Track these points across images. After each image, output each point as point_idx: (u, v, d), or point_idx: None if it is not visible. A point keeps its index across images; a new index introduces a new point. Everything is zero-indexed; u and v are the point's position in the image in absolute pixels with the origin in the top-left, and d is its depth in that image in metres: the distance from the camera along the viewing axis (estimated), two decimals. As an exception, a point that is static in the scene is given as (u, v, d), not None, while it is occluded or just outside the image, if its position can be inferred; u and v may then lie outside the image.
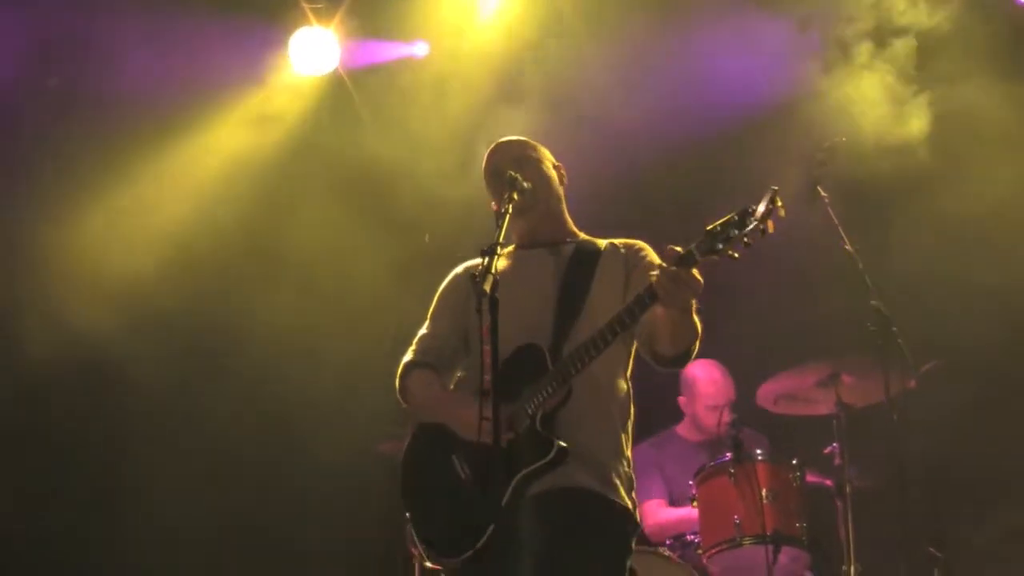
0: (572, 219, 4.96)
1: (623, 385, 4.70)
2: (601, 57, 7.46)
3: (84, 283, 7.49)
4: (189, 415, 7.67)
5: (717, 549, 6.49)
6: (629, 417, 4.71)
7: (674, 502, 7.28)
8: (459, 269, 4.96)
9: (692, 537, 6.76)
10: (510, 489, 4.38)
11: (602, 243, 4.85)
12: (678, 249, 4.17)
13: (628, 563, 4.54)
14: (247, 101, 7.88)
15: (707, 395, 7.42)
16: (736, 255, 4.13)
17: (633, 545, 4.60)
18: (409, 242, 7.65)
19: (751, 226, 4.07)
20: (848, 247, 6.52)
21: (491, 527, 4.38)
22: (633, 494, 4.62)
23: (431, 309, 4.95)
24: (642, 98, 7.48)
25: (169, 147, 7.74)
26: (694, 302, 4.28)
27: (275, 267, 7.84)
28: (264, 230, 7.86)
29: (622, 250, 4.81)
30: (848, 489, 6.55)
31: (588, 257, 4.77)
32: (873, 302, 6.40)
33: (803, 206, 6.63)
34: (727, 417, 7.18)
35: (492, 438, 4.13)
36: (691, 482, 6.78)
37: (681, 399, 7.53)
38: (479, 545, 4.40)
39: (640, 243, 4.85)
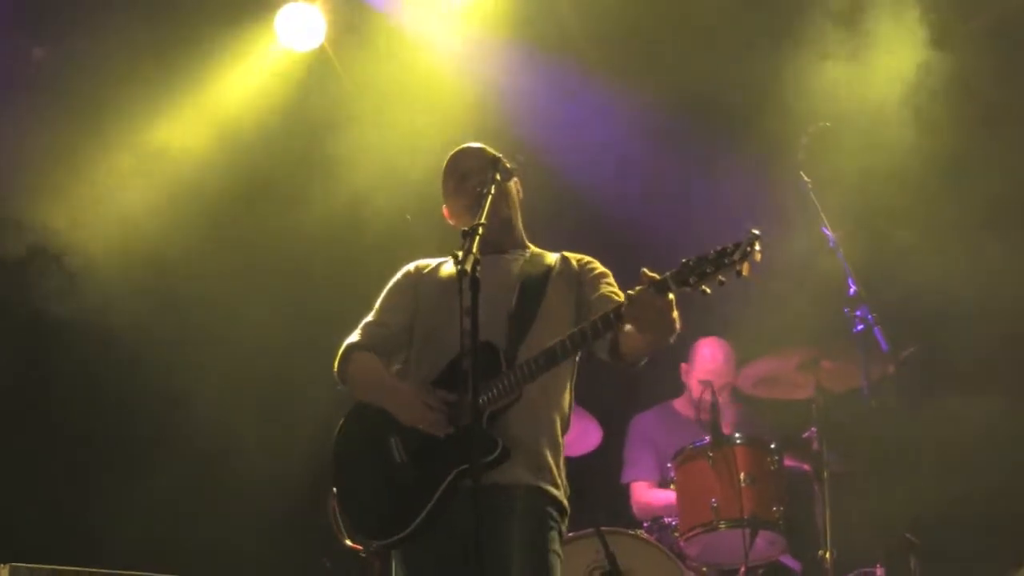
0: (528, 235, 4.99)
1: (568, 391, 4.76)
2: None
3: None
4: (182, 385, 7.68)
5: (694, 532, 6.51)
6: (568, 423, 4.76)
7: (664, 478, 7.31)
8: (410, 267, 4.98)
9: (669, 520, 6.78)
10: (447, 481, 4.43)
11: (554, 255, 4.89)
12: (653, 275, 4.22)
13: (553, 538, 4.55)
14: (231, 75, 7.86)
15: (703, 369, 7.45)
16: (708, 291, 4.19)
17: (564, 528, 4.63)
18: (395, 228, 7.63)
19: (727, 265, 4.14)
20: (829, 232, 6.53)
21: (423, 514, 4.45)
22: (564, 489, 4.65)
23: (380, 300, 4.93)
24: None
25: (150, 125, 7.72)
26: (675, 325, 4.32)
27: (259, 257, 7.87)
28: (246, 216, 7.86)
29: (574, 262, 4.86)
30: (826, 474, 6.57)
31: (542, 266, 4.81)
32: (853, 288, 6.42)
33: (787, 192, 6.68)
34: (708, 398, 7.24)
35: (460, 419, 4.26)
36: (669, 464, 6.80)
37: (684, 365, 7.57)
38: (408, 531, 4.47)
39: (590, 257, 4.89)
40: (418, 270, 4.94)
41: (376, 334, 4.83)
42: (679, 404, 7.63)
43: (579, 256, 4.89)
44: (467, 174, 4.79)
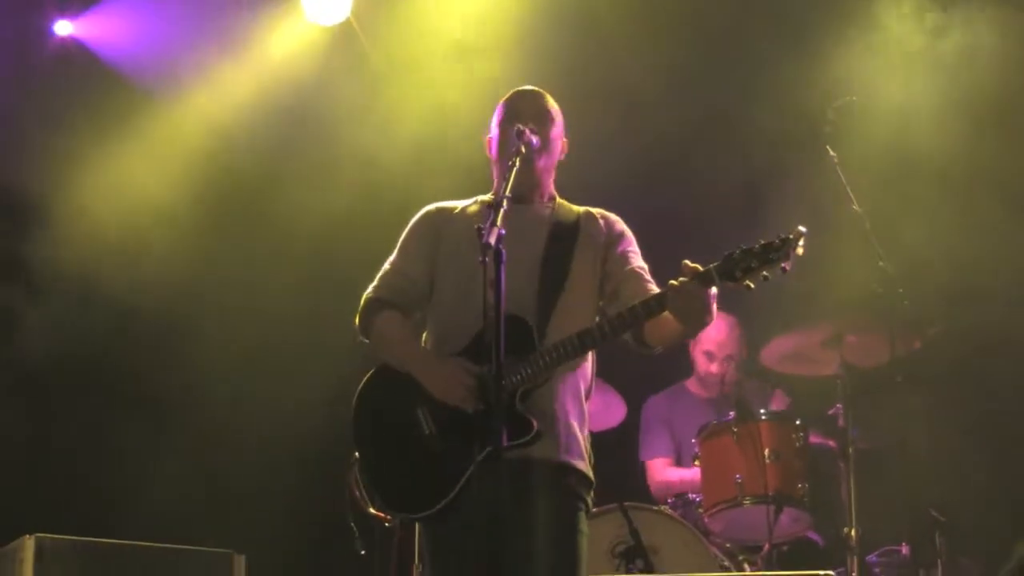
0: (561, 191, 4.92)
1: (592, 362, 4.73)
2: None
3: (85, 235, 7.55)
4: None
5: (718, 508, 6.50)
6: (591, 392, 4.73)
7: (680, 458, 7.30)
8: (431, 208, 4.86)
9: (694, 496, 6.77)
10: (478, 459, 4.34)
11: (580, 210, 4.82)
12: (696, 266, 4.20)
13: (581, 518, 4.54)
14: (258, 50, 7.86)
15: (708, 340, 7.37)
16: (752, 286, 4.17)
17: (590, 502, 4.61)
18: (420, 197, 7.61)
19: (772, 261, 4.13)
20: (856, 207, 6.49)
21: (454, 492, 4.40)
22: (590, 459, 4.63)
23: (399, 244, 4.82)
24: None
25: (175, 98, 7.74)
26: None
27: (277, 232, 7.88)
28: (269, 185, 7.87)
29: (600, 221, 4.79)
30: (851, 450, 6.54)
31: (569, 223, 4.74)
32: (880, 263, 6.38)
33: (812, 165, 6.65)
34: (733, 376, 7.20)
35: (488, 395, 4.20)
36: (694, 440, 6.79)
37: (690, 341, 7.52)
38: (438, 507, 4.43)
39: (616, 217, 4.84)
40: (440, 212, 4.83)
41: (396, 286, 4.73)
42: (691, 384, 7.59)
43: (603, 214, 4.82)
44: (515, 117, 4.69)
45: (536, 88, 4.89)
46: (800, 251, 4.13)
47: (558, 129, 4.81)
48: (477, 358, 4.44)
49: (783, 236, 4.15)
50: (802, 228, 4.16)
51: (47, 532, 6.04)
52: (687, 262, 4.21)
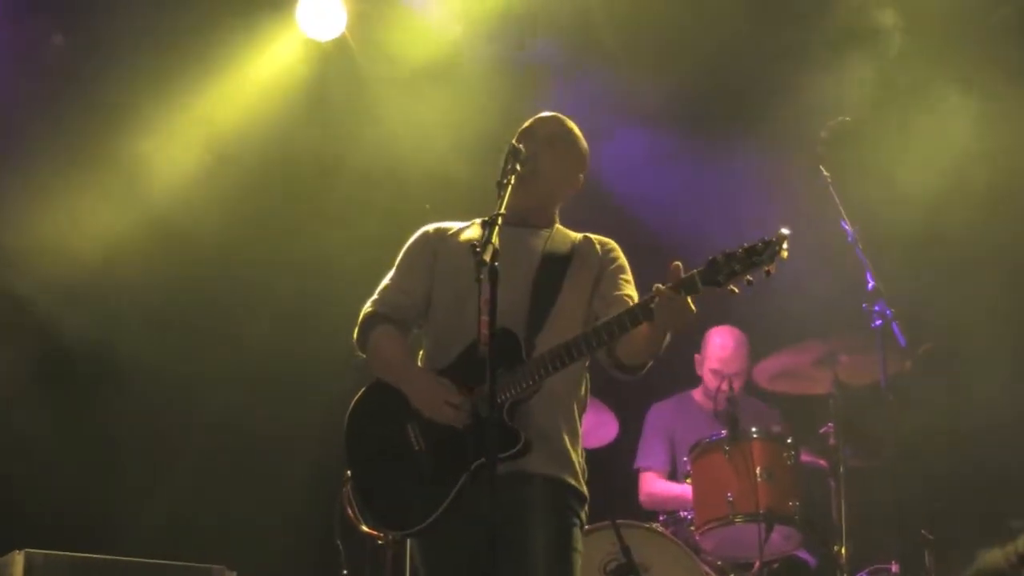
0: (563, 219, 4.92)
1: (584, 378, 4.72)
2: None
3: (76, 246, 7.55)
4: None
5: (709, 526, 6.50)
6: (585, 407, 4.73)
7: (676, 470, 7.28)
8: (429, 228, 4.87)
9: (685, 514, 6.78)
10: (468, 473, 4.35)
11: (577, 236, 4.82)
12: (678, 269, 4.20)
13: (576, 536, 4.53)
14: (253, 65, 7.87)
15: (714, 358, 7.40)
16: (737, 291, 4.16)
17: (584, 518, 4.60)
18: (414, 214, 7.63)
19: (756, 264, 4.11)
20: (848, 227, 6.50)
21: (443, 507, 4.40)
22: (584, 473, 4.62)
23: (398, 262, 4.83)
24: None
25: (169, 112, 7.74)
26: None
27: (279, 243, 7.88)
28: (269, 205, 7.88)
29: (597, 246, 4.79)
30: (842, 469, 6.56)
31: (564, 247, 4.74)
32: (872, 283, 6.39)
33: (805, 184, 6.66)
34: (725, 389, 7.19)
35: (480, 410, 4.24)
36: (685, 458, 6.79)
37: (697, 356, 7.54)
38: (427, 523, 4.43)
39: (613, 243, 4.83)
40: (438, 233, 4.83)
41: (394, 302, 4.74)
42: (697, 395, 7.58)
43: (602, 240, 4.82)
44: (533, 137, 4.72)
45: (558, 115, 4.88)
46: (784, 254, 4.12)
47: (569, 159, 4.81)
48: (466, 372, 4.45)
49: (766, 239, 4.14)
50: (785, 230, 4.14)
51: (37, 547, 6.02)
52: (678, 263, 4.21)
